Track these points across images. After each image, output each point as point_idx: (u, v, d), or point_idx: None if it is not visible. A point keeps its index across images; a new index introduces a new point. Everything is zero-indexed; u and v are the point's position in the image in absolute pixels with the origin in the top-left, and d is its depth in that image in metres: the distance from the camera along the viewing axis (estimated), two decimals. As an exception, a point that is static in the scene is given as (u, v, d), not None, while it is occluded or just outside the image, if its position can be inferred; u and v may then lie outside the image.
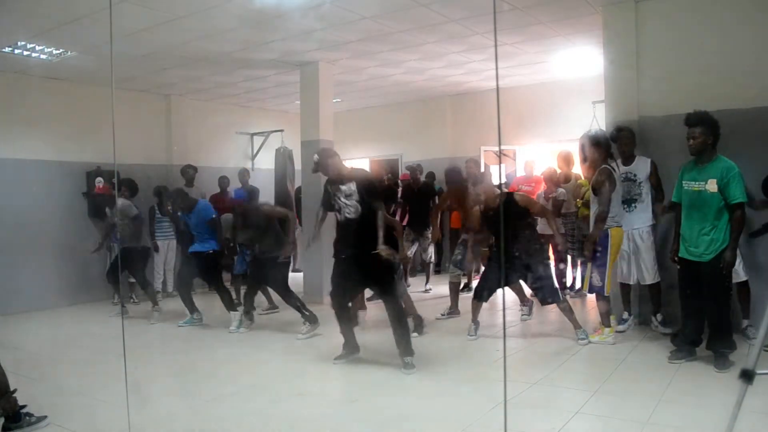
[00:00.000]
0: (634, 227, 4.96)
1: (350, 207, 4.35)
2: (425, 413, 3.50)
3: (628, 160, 5.01)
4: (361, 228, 4.31)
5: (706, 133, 3.88)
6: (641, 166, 4.97)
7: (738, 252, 4.33)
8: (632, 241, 4.97)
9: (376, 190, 4.52)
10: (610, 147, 4.92)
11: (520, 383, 3.76)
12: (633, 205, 4.97)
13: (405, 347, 4.29)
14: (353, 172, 4.46)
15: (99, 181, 7.62)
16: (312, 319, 5.56)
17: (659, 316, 5.00)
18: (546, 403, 3.57)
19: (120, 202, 6.58)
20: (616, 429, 3.14)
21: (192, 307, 6.13)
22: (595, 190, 4.91)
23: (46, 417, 3.32)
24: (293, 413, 3.55)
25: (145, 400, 3.68)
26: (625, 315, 5.16)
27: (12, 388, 3.23)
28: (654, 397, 3.45)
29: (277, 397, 3.86)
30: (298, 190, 8.48)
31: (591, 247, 4.71)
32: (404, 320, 4.46)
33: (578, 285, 6.93)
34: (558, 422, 3.15)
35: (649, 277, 4.95)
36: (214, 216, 6.07)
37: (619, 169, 4.91)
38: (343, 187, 4.36)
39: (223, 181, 8.64)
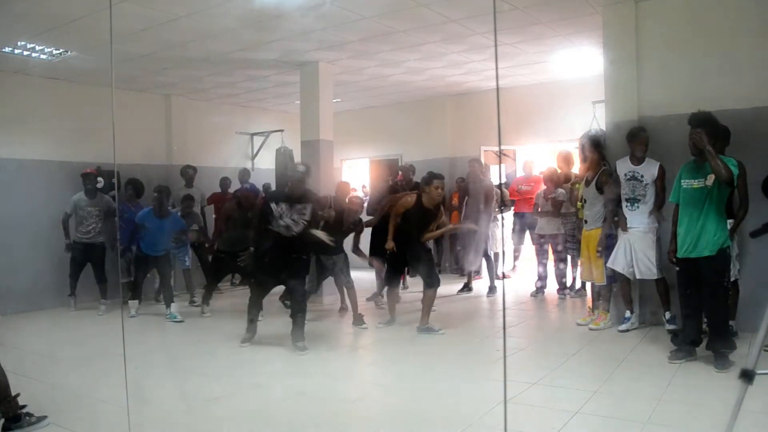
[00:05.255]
0: (635, 226, 4.97)
1: None
2: (425, 412, 3.50)
3: (638, 160, 5.00)
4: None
5: (708, 133, 3.88)
6: (650, 168, 4.96)
7: (732, 252, 4.37)
8: (631, 239, 4.97)
9: None
10: (604, 148, 5.14)
11: (520, 383, 3.76)
12: (636, 204, 4.98)
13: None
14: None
15: (99, 182, 7.61)
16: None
17: (668, 314, 4.97)
18: (546, 403, 3.57)
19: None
20: (616, 429, 3.13)
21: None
22: (601, 189, 5.04)
23: (46, 417, 3.31)
24: (289, 411, 3.55)
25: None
26: (627, 314, 5.15)
27: (15, 393, 3.23)
28: (654, 397, 3.45)
29: (275, 395, 3.86)
30: None
31: (604, 242, 5.09)
32: None
33: (578, 285, 6.92)
34: (558, 422, 3.15)
35: (646, 273, 4.94)
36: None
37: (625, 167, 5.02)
38: None
39: (225, 182, 8.64)
